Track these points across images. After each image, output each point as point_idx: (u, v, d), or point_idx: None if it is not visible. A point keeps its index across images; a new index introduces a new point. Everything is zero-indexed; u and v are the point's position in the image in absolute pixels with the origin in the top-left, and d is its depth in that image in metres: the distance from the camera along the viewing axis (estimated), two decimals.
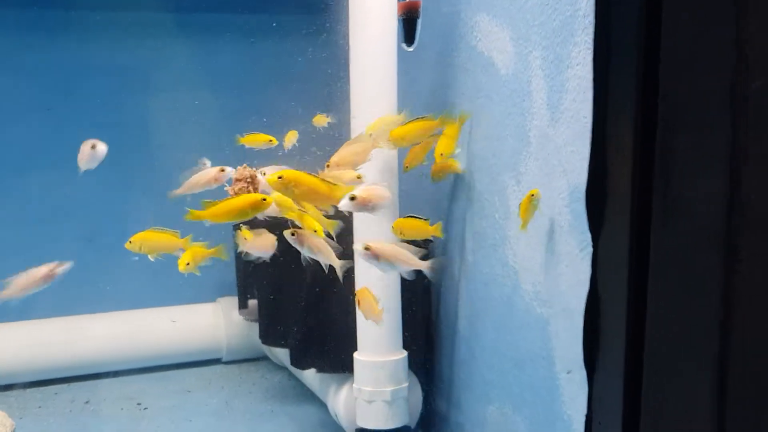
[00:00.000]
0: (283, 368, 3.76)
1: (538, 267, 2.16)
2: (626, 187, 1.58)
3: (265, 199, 2.02)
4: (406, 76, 2.56)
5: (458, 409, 2.73)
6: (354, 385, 2.60)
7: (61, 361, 3.61)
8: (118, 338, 3.74)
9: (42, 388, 3.60)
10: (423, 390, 2.81)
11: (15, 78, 3.67)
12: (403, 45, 2.52)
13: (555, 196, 2.06)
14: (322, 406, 3.21)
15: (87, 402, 3.41)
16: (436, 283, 2.84)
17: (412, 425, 2.70)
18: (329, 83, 3.16)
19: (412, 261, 2.08)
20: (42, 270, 2.02)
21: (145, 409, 3.31)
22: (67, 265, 2.05)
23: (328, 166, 2.16)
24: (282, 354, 3.55)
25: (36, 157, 3.69)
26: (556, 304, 2.08)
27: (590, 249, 1.91)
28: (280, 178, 1.97)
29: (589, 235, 1.91)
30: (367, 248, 2.03)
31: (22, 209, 3.72)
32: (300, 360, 2.90)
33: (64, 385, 3.63)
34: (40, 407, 3.36)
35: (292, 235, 2.11)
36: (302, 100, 3.50)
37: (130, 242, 2.17)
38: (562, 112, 2.02)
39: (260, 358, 3.95)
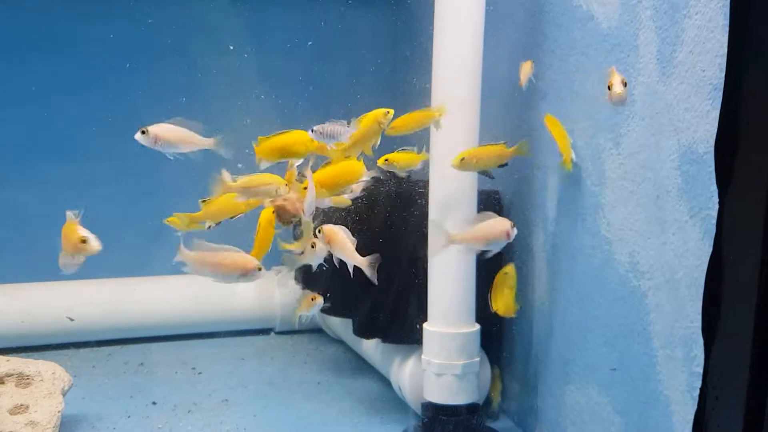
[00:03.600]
0: (338, 341, 3.66)
1: (637, 236, 2.00)
2: (765, 136, 1.41)
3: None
4: (489, 36, 2.41)
5: (531, 389, 2.58)
6: (422, 356, 2.47)
7: (115, 323, 3.56)
8: (171, 303, 3.68)
9: (95, 349, 3.56)
10: (492, 367, 2.67)
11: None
12: None
13: (663, 158, 1.89)
14: (381, 379, 3.10)
15: (141, 364, 3.36)
16: (511, 256, 2.69)
17: (481, 403, 2.56)
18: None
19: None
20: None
21: (199, 373, 3.24)
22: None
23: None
24: (338, 326, 3.45)
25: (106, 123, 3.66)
26: (657, 275, 1.92)
27: (702, 215, 1.76)
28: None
29: (701, 200, 1.76)
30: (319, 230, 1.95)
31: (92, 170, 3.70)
32: (364, 330, 2.79)
33: (117, 347, 3.59)
34: (93, 367, 3.31)
35: (319, 232, 2.00)
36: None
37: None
38: (675, 66, 1.85)
39: (314, 330, 3.85)
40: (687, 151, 1.80)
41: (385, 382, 3.04)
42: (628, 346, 2.03)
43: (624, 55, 2.04)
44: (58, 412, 2.40)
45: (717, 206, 1.68)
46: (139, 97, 3.58)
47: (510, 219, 2.66)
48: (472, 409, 2.45)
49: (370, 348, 3.04)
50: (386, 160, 2.19)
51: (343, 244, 2.00)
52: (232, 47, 3.73)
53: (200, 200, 2.05)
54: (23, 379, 2.48)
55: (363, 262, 2.01)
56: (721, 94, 1.69)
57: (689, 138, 1.80)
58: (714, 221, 1.70)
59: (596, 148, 2.17)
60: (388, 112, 2.04)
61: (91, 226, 3.62)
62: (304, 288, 3.60)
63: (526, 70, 2.30)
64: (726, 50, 1.58)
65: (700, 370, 1.76)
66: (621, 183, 2.06)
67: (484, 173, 2.33)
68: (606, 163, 2.13)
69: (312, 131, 1.93)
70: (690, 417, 1.79)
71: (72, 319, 3.41)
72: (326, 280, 3.13)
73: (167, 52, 3.70)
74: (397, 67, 3.98)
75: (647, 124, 1.95)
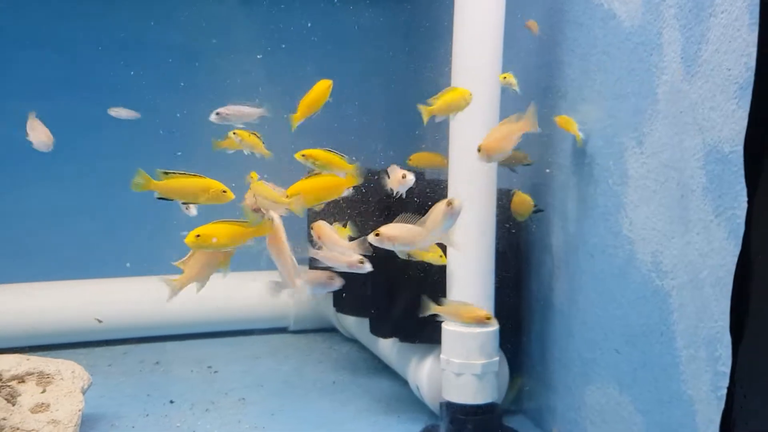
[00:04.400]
0: (352, 340, 3.67)
1: (661, 236, 1.99)
2: None
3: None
4: (509, 35, 2.40)
5: (549, 389, 2.58)
6: (441, 356, 2.47)
7: (130, 322, 3.57)
8: (185, 302, 3.68)
9: (110, 348, 3.57)
10: (510, 367, 2.67)
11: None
12: None
13: (687, 157, 1.88)
14: (397, 378, 3.10)
15: (157, 363, 3.37)
16: (530, 256, 2.69)
17: (500, 402, 2.56)
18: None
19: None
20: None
21: (215, 372, 3.24)
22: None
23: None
24: (353, 325, 3.46)
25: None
26: (681, 275, 1.91)
27: (728, 214, 1.75)
28: None
29: (726, 199, 1.76)
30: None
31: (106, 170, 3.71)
32: (380, 329, 2.79)
33: (132, 346, 3.60)
34: (110, 365, 3.32)
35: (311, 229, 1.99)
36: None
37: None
38: (700, 65, 1.85)
39: (327, 330, 3.86)
40: (712, 150, 1.80)
41: (401, 381, 3.04)
42: (651, 345, 2.03)
43: (647, 54, 2.04)
44: (79, 410, 2.41)
45: (743, 205, 1.67)
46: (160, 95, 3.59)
47: (527, 220, 2.68)
48: (491, 408, 2.45)
49: (386, 347, 3.04)
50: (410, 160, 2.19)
51: (332, 238, 1.97)
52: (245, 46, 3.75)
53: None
54: (43, 378, 2.49)
55: (353, 246, 1.97)
56: (747, 93, 1.69)
57: (714, 137, 1.79)
58: (740, 220, 1.70)
59: (618, 147, 2.17)
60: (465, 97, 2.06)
61: (107, 225, 3.63)
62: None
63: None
64: (753, 49, 1.58)
65: (725, 369, 1.76)
66: (644, 182, 2.06)
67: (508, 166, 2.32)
68: (628, 162, 2.13)
69: (216, 114, 1.98)
70: (714, 417, 1.79)
71: (100, 321, 3.42)
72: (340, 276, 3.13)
73: (176, 50, 3.71)
74: (412, 65, 3.98)
75: (671, 123, 1.95)
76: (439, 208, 1.77)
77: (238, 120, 2.04)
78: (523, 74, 2.65)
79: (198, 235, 1.82)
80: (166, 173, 1.84)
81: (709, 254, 1.81)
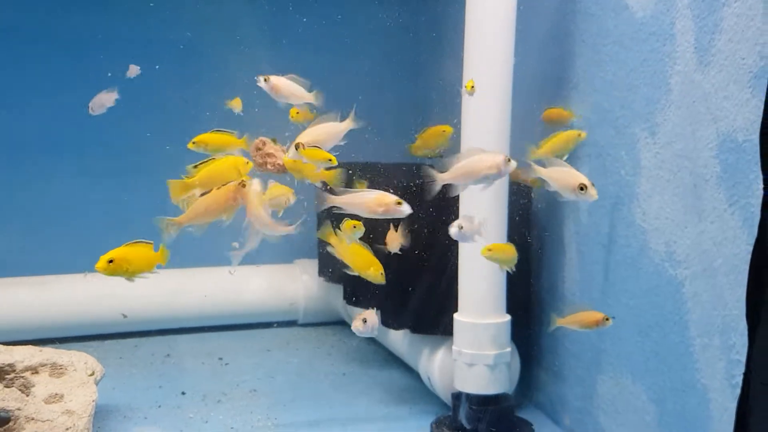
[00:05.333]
0: None
1: (674, 225, 2.00)
2: None
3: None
4: (520, 26, 2.41)
5: (560, 379, 2.59)
6: (453, 347, 2.48)
7: (140, 315, 3.59)
8: (194, 295, 3.70)
9: (120, 340, 3.59)
10: (521, 358, 2.68)
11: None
12: None
13: (701, 146, 1.89)
14: (407, 370, 3.11)
15: (168, 355, 3.38)
16: (541, 247, 2.70)
17: (511, 393, 2.57)
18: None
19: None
20: None
21: (226, 364, 3.26)
22: None
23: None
24: None
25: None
26: (695, 264, 1.92)
27: (742, 203, 1.76)
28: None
29: (740, 188, 1.76)
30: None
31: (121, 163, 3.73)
32: (392, 320, 2.80)
33: (143, 339, 3.62)
34: (121, 358, 3.34)
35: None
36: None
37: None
38: (713, 54, 1.85)
39: (336, 323, 3.87)
40: (726, 139, 1.80)
41: (412, 373, 3.05)
42: (664, 335, 2.03)
43: (660, 45, 2.04)
44: (93, 401, 2.42)
45: (758, 194, 1.68)
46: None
47: (533, 210, 2.69)
48: (503, 399, 2.46)
49: (397, 339, 3.05)
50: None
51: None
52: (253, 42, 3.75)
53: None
54: (57, 369, 2.51)
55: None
56: (761, 82, 1.70)
57: (728, 126, 1.80)
58: (754, 209, 1.70)
59: (631, 138, 2.17)
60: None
61: (120, 221, 3.64)
62: (328, 282, 3.62)
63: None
64: None
65: (739, 358, 1.77)
66: (657, 172, 2.06)
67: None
68: (641, 152, 2.13)
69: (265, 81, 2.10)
70: (729, 405, 1.80)
71: (125, 316, 3.44)
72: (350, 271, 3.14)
73: (188, 47, 3.72)
74: (422, 57, 3.99)
75: (684, 113, 1.95)
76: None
77: (286, 99, 2.11)
78: (535, 65, 2.66)
79: (111, 261, 1.87)
80: (195, 166, 1.89)
81: (723, 243, 1.81)
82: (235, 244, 2.17)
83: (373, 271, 2.07)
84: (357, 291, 3.08)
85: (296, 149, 1.99)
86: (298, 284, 3.81)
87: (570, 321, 2.10)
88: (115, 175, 3.75)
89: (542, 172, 1.95)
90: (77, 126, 3.58)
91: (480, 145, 2.37)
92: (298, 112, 2.39)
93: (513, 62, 2.37)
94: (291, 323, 3.87)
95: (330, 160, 1.99)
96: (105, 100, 2.80)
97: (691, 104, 1.92)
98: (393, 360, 3.27)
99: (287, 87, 2.15)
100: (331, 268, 3.47)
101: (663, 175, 2.04)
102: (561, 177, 1.90)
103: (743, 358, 1.74)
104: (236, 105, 2.66)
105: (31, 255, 3.58)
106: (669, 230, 2.02)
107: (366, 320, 2.07)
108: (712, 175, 1.85)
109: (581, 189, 1.85)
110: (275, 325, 3.83)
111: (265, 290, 3.78)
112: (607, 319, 2.02)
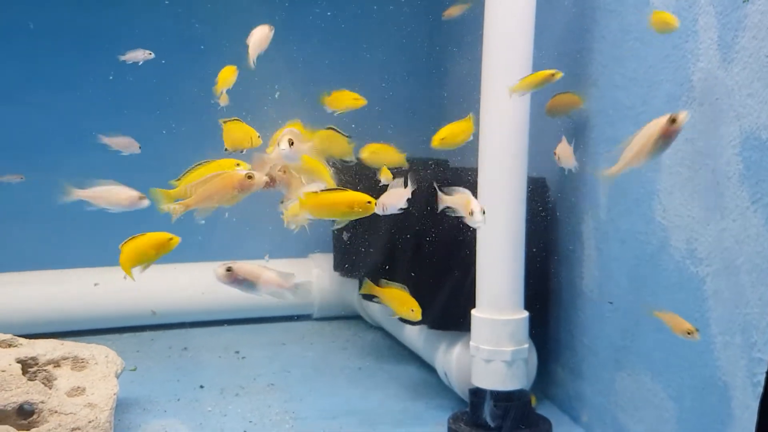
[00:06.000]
0: (377, 327, 3.69)
1: (695, 223, 1.99)
2: None
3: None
4: (539, 21, 2.40)
5: (578, 376, 2.59)
6: (471, 342, 2.49)
7: (158, 309, 3.62)
8: (208, 289, 3.72)
9: (137, 334, 3.62)
10: (538, 354, 2.68)
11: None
12: None
13: (723, 144, 1.88)
14: (423, 365, 3.12)
15: (185, 348, 3.41)
16: (559, 243, 2.70)
17: (528, 389, 2.58)
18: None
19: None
20: None
21: (243, 358, 3.28)
22: None
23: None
24: (378, 312, 3.48)
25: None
26: (716, 261, 1.91)
27: (765, 201, 1.76)
28: None
29: (764, 186, 1.75)
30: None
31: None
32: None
33: (159, 332, 3.65)
34: (138, 351, 3.37)
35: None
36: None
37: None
38: (737, 51, 1.84)
39: (351, 317, 3.89)
40: (749, 137, 1.80)
41: (427, 368, 3.06)
42: None
43: (682, 41, 2.03)
44: (114, 394, 2.44)
45: None
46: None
47: (550, 207, 2.68)
48: (520, 395, 2.46)
49: (413, 334, 3.06)
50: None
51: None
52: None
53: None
54: (78, 363, 2.53)
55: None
56: None
57: (752, 124, 1.79)
58: None
59: None
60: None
61: (139, 214, 3.66)
62: (343, 276, 3.63)
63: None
64: None
65: (761, 356, 1.77)
66: (677, 169, 2.06)
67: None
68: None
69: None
70: (750, 402, 1.80)
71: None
72: (367, 267, 3.15)
73: (194, 42, 3.73)
74: (441, 55, 3.98)
75: (706, 110, 1.95)
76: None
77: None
78: (554, 61, 2.65)
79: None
80: (178, 180, 1.90)
81: (745, 241, 1.81)
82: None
83: (413, 314, 2.20)
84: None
85: (289, 144, 1.93)
86: (312, 278, 3.82)
87: (665, 317, 1.97)
88: (137, 170, 3.76)
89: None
90: (101, 119, 3.61)
91: (499, 140, 2.39)
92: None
93: (532, 58, 2.37)
94: (305, 317, 3.89)
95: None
96: (139, 55, 2.83)
97: (714, 101, 1.92)
98: (408, 355, 3.28)
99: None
100: (345, 263, 3.49)
101: (684, 172, 2.03)
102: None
103: (765, 356, 1.74)
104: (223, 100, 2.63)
105: (50, 249, 3.62)
106: (690, 227, 2.02)
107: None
108: (734, 172, 1.85)
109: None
110: (296, 318, 3.85)
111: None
112: (691, 332, 1.85)
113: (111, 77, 3.66)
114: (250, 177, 1.85)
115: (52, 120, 3.68)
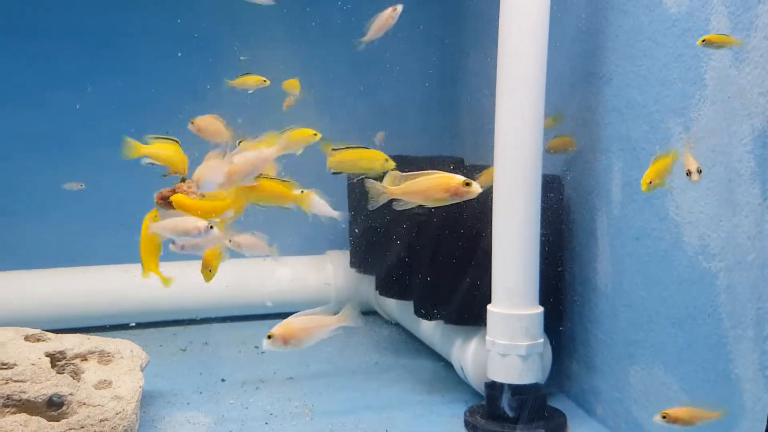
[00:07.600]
0: (392, 323, 3.75)
1: (708, 219, 2.03)
2: None
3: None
4: (553, 21, 2.44)
5: (593, 370, 2.64)
6: (487, 337, 2.54)
7: (179, 304, 3.69)
8: (230, 285, 3.79)
9: (160, 329, 3.70)
10: (553, 349, 2.73)
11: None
12: None
13: (735, 142, 1.92)
14: (439, 360, 3.18)
15: (205, 343, 3.48)
16: (574, 239, 2.74)
17: (543, 383, 2.62)
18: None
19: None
20: None
21: (262, 353, 3.35)
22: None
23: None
24: (394, 308, 3.53)
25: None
26: (728, 257, 1.95)
27: None
28: None
29: None
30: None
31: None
32: (425, 311, 2.86)
33: (180, 328, 3.73)
34: (161, 346, 3.45)
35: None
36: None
37: None
38: (749, 51, 1.88)
39: (367, 313, 3.94)
40: (761, 135, 1.83)
41: (443, 362, 3.11)
42: (697, 326, 2.07)
43: (695, 41, 2.07)
44: (139, 387, 2.52)
45: None
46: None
47: (564, 204, 2.72)
48: (535, 389, 2.51)
49: (429, 329, 3.11)
50: None
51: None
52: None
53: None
54: (104, 356, 2.61)
55: None
56: None
57: (763, 122, 1.82)
58: None
59: (665, 133, 2.20)
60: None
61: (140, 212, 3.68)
62: (359, 272, 3.69)
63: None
64: None
65: None
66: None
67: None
68: (675, 147, 2.16)
69: None
70: (762, 395, 1.84)
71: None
72: (383, 263, 3.21)
73: (207, 43, 3.79)
74: (455, 55, 4.02)
75: (719, 108, 1.98)
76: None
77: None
78: (567, 60, 2.69)
79: None
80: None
81: (757, 237, 1.85)
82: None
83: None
84: (390, 282, 3.15)
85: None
86: (328, 274, 3.88)
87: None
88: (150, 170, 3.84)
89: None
90: (121, 118, 3.69)
91: (513, 141, 2.43)
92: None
93: (546, 58, 2.41)
94: None
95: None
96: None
97: (726, 100, 1.95)
98: (424, 349, 3.33)
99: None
100: (362, 260, 3.55)
101: None
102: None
103: None
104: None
105: (75, 246, 3.70)
106: (703, 224, 2.05)
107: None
108: (746, 170, 1.88)
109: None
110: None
111: (296, 280, 3.87)
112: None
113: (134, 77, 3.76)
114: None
115: (74, 118, 3.75)
